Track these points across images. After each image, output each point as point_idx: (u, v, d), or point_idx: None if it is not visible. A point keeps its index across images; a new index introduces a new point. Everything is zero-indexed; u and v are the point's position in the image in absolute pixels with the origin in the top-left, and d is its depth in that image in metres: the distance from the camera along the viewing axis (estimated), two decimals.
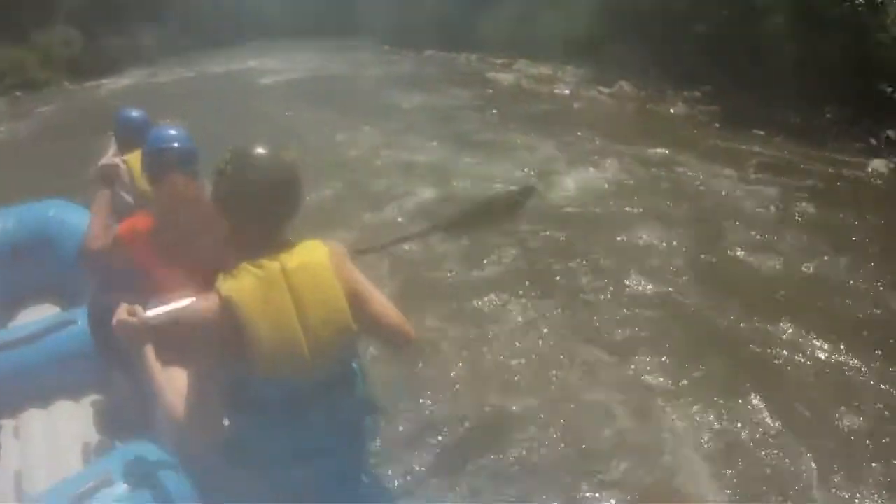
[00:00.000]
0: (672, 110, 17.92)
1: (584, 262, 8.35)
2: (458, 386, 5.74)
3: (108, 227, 3.62)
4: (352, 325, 2.46)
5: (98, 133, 6.08)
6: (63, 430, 4.25)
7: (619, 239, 9.16)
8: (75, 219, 5.61)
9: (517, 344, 6.46)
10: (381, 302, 2.58)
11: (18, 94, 34.12)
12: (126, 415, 3.95)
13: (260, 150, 2.39)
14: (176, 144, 3.57)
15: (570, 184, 11.73)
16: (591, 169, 12.62)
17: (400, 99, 21.28)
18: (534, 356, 6.29)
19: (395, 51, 40.70)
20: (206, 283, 2.40)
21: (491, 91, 22.35)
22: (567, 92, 21.36)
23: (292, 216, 2.48)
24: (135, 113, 5.01)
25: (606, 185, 11.57)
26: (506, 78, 24.64)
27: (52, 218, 5.74)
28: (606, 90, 20.43)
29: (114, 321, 2.57)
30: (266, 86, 30.11)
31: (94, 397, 4.63)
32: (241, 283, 2.30)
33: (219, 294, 2.30)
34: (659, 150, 13.67)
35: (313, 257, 2.44)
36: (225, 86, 30.85)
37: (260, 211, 2.39)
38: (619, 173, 12.29)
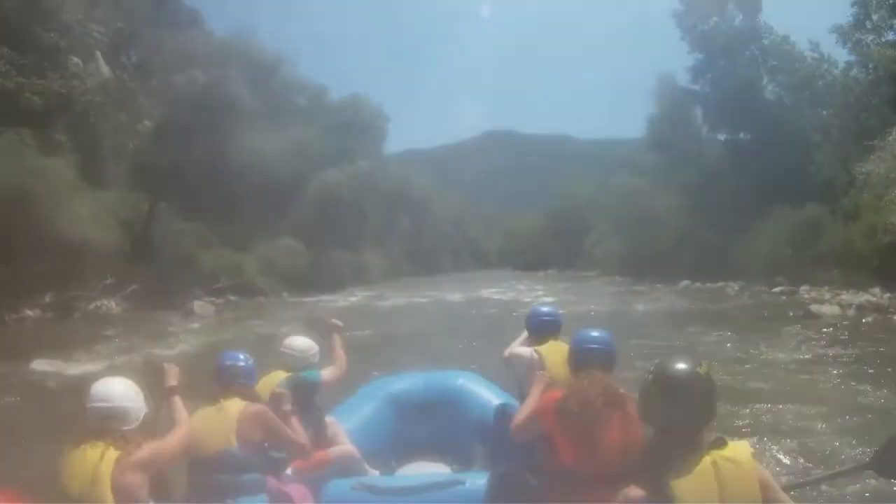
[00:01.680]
0: None
1: None
2: None
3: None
4: None
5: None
6: None
7: None
8: (481, 390, 5.96)
9: None
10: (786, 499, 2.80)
11: (233, 297, 31.15)
12: None
13: (678, 365, 2.70)
14: (595, 346, 3.77)
15: None
16: None
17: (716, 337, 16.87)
18: None
19: (633, 282, 38.04)
20: (600, 469, 3.22)
21: (819, 322, 18.37)
22: None
23: (709, 420, 2.69)
24: (546, 309, 5.40)
25: None
26: (820, 308, 20.49)
27: (460, 386, 6.08)
28: None
29: None
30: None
31: None
32: (681, 478, 2.55)
33: (660, 489, 2.57)
34: None
35: (739, 455, 2.63)
36: (464, 311, 25.50)
37: (681, 415, 2.66)
38: None
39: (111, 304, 25.53)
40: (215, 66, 38.03)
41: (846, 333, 15.88)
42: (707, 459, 2.55)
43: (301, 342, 5.14)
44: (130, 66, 43.36)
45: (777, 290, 26.23)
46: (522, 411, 3.86)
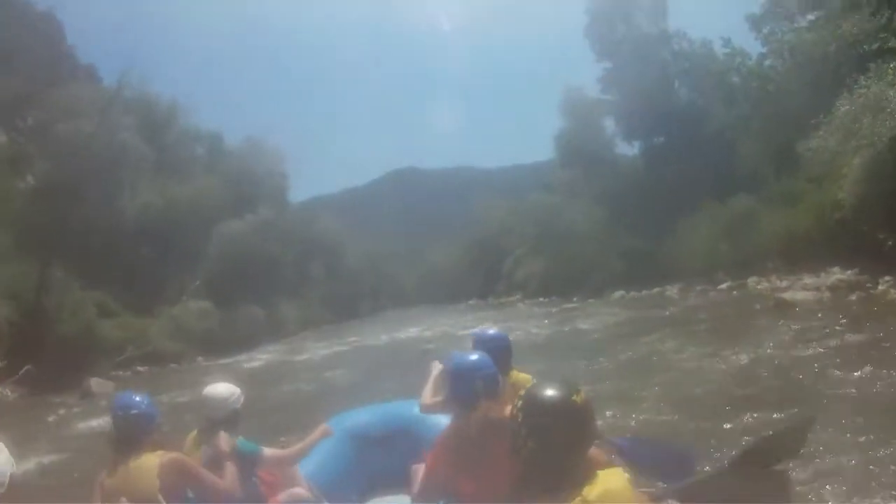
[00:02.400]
0: None
1: None
2: None
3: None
4: None
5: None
6: None
7: None
8: (437, 417, 5.55)
9: None
10: None
11: (140, 368, 28.23)
12: None
13: (549, 392, 2.48)
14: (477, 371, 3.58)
15: None
16: None
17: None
18: None
19: (562, 300, 36.19)
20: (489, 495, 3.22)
21: (799, 311, 17.11)
22: None
23: (582, 453, 2.48)
24: (493, 332, 5.11)
25: None
26: (794, 296, 19.13)
27: (416, 415, 5.79)
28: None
29: None
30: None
31: None
32: None
33: None
34: None
35: (616, 485, 2.43)
36: (389, 354, 23.55)
37: (549, 449, 2.44)
38: None
39: (4, 391, 22.22)
40: (104, 116, 34.79)
41: (841, 316, 14.60)
42: (577, 499, 2.34)
43: (221, 388, 4.77)
44: (26, 128, 40.36)
45: (723, 286, 25.31)
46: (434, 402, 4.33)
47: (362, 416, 6.43)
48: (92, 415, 16.66)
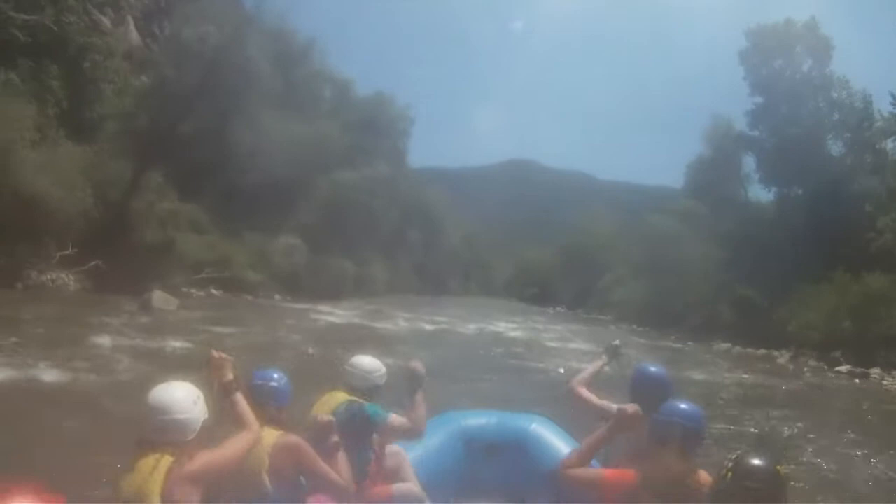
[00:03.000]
0: None
1: None
2: None
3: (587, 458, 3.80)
4: None
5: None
6: None
7: None
8: (553, 437, 5.71)
9: None
10: None
11: (215, 291, 27.62)
12: None
13: (758, 462, 2.56)
14: (680, 421, 3.38)
15: None
16: None
17: None
18: None
19: (658, 335, 33.34)
20: None
21: None
22: None
23: None
24: (654, 369, 4.50)
25: None
26: None
27: (533, 430, 5.82)
28: None
29: None
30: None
31: None
32: None
33: None
34: None
35: None
36: (482, 348, 21.87)
37: None
38: None
39: (67, 279, 21.89)
40: (235, 31, 33.70)
41: None
42: None
43: (367, 361, 4.77)
44: (162, 37, 40.66)
45: (842, 369, 22.61)
46: (580, 456, 3.77)
47: (477, 420, 6.13)
48: (156, 332, 15.75)
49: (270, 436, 3.69)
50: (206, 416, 3.08)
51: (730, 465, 2.56)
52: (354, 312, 29.25)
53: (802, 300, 27.84)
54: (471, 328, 28.31)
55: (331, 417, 4.15)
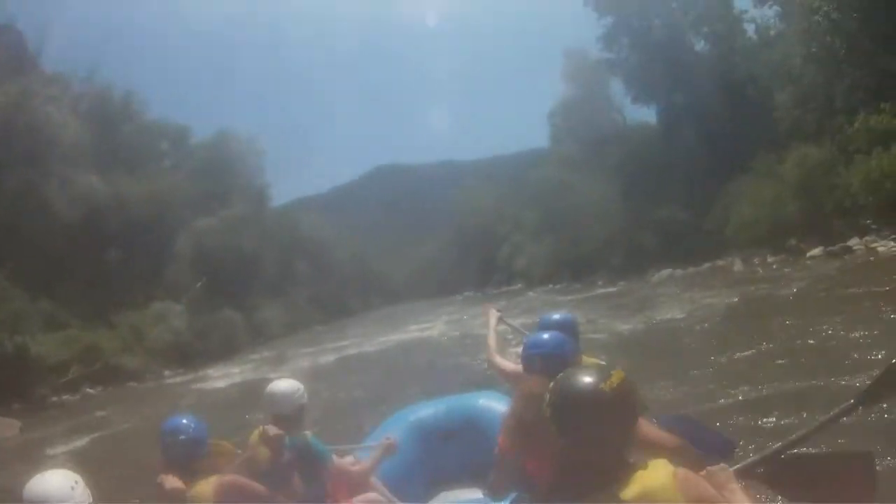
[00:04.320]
0: None
1: None
2: None
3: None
4: None
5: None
6: None
7: None
8: (502, 408, 5.35)
9: None
10: None
11: (91, 390, 23.66)
12: None
13: (583, 378, 2.30)
14: (537, 352, 3.73)
15: None
16: None
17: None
18: None
19: (573, 288, 32.09)
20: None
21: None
22: None
23: (623, 446, 2.26)
24: (557, 316, 4.79)
25: None
26: None
27: (483, 407, 5.94)
28: None
29: None
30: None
31: None
32: None
33: None
34: None
35: (655, 482, 2.19)
36: (395, 359, 19.44)
37: (582, 440, 2.26)
38: None
39: None
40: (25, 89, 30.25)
41: None
42: (614, 493, 2.17)
43: (284, 385, 4.66)
44: None
45: (815, 252, 20.83)
46: (504, 366, 4.43)
47: (426, 411, 6.20)
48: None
49: (207, 484, 3.65)
50: (90, 500, 2.84)
51: (547, 395, 2.31)
52: (251, 366, 26.05)
53: (729, 200, 26.45)
54: (380, 342, 25.58)
55: (277, 431, 4.05)
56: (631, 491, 2.15)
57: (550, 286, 37.60)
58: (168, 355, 28.56)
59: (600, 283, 30.46)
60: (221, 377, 23.67)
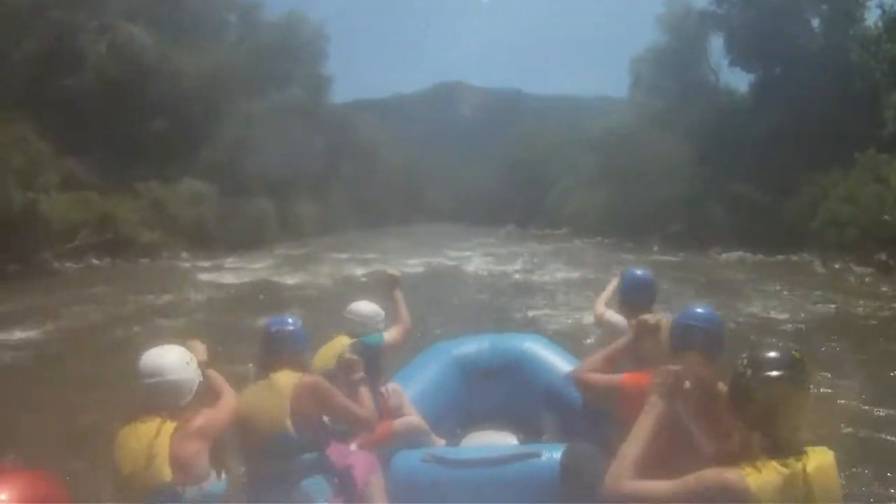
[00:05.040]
0: None
1: None
2: None
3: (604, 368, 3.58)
4: None
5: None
6: None
7: None
8: (549, 355, 5.69)
9: None
10: None
11: (95, 261, 22.17)
12: None
13: (773, 353, 2.37)
14: (698, 325, 3.27)
15: None
16: None
17: None
18: None
19: (626, 247, 30.26)
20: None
21: None
22: None
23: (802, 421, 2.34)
24: (641, 272, 4.78)
25: None
26: None
27: (527, 350, 5.79)
28: None
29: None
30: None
31: None
32: (766, 479, 2.25)
33: (742, 485, 2.25)
34: None
35: (826, 464, 2.29)
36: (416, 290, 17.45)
37: (776, 414, 2.32)
38: None
39: None
40: None
41: None
42: (797, 465, 2.25)
43: (366, 307, 4.89)
44: None
45: None
46: (595, 364, 3.61)
47: (471, 346, 5.94)
48: None
49: (290, 379, 3.57)
50: (201, 378, 3.13)
51: (745, 361, 2.35)
52: (274, 261, 24.65)
53: (818, 194, 23.66)
54: (412, 263, 23.54)
55: (354, 356, 4.00)
56: (811, 463, 2.23)
57: (599, 239, 35.54)
58: (190, 236, 27.06)
59: (655, 248, 28.26)
60: (241, 269, 22.36)
